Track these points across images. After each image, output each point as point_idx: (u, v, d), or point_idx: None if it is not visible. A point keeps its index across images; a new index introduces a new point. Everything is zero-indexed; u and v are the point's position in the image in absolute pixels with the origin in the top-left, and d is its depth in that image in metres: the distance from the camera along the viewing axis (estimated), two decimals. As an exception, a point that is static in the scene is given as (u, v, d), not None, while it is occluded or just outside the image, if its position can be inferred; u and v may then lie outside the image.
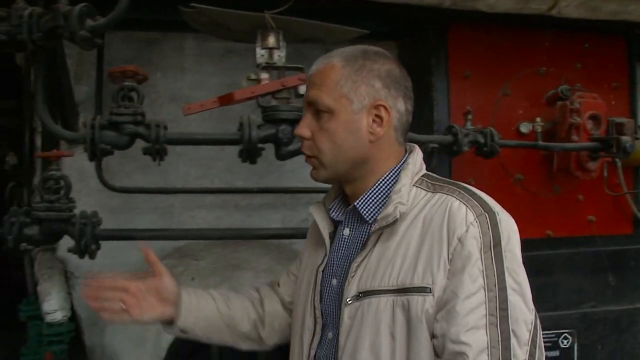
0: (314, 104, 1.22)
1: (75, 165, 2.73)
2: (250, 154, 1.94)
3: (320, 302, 1.28)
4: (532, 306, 1.10)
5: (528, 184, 2.76)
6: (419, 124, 2.22)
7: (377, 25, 2.71)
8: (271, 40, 2.02)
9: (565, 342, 2.68)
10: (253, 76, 2.01)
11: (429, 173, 1.27)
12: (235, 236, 2.52)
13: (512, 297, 1.06)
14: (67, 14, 1.68)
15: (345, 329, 1.17)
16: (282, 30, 2.03)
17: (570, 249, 2.81)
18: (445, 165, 2.68)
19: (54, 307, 2.52)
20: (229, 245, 2.64)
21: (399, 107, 1.23)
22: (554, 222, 2.80)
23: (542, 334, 2.51)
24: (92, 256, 1.82)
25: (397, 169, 1.25)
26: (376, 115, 1.20)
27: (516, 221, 2.55)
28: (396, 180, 1.23)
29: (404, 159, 1.27)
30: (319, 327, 1.27)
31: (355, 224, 1.27)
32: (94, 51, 2.56)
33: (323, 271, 1.29)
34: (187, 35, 2.84)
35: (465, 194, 1.15)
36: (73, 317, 2.67)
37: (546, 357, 2.63)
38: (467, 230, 1.08)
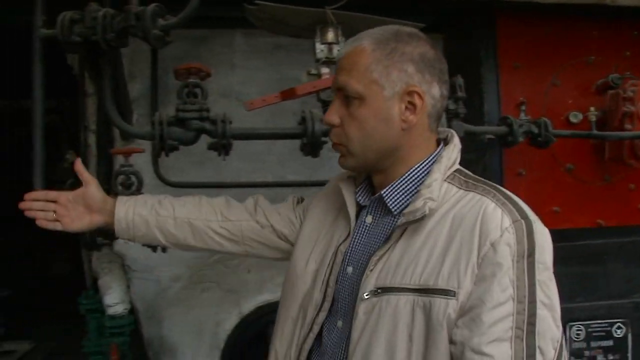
0: (343, 89, 1.17)
1: (131, 161, 2.79)
2: (313, 148, 1.97)
3: (336, 284, 1.24)
4: (560, 323, 1.04)
5: (578, 174, 2.75)
6: (469, 115, 2.25)
7: (422, 18, 2.72)
8: (330, 36, 2.05)
9: (618, 331, 2.67)
10: (313, 71, 2.04)
11: (462, 169, 1.22)
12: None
13: (541, 312, 1.00)
14: (140, 14, 1.72)
15: (360, 324, 1.12)
16: (341, 26, 2.06)
17: (621, 238, 2.80)
18: (496, 155, 2.69)
19: (115, 300, 2.59)
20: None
21: (434, 92, 1.16)
22: (605, 211, 2.78)
23: (596, 323, 2.52)
24: (164, 250, 1.86)
25: (430, 161, 1.19)
26: (409, 102, 1.14)
27: (567, 210, 2.56)
28: (427, 173, 1.17)
29: (438, 150, 1.22)
30: (327, 304, 1.23)
31: (379, 213, 1.23)
32: (146, 50, 2.62)
33: (344, 252, 1.25)
34: (236, 31, 2.89)
35: (502, 197, 1.10)
36: (132, 310, 2.74)
37: (600, 346, 2.66)
38: (501, 236, 1.03)
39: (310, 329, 1.24)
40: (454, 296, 1.02)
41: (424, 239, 1.10)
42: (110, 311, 2.61)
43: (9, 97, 5.82)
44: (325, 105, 2.03)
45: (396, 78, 1.13)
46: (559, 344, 1.02)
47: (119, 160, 2.85)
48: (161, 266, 2.75)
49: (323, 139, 1.97)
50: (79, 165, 1.52)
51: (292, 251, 1.41)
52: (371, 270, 1.13)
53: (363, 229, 1.23)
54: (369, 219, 1.23)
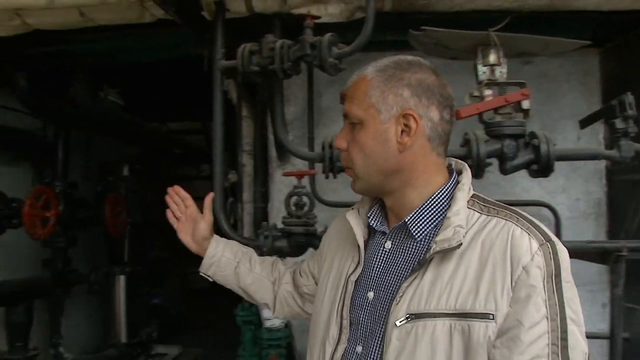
0: (346, 116, 1.23)
1: (287, 181, 2.94)
2: (478, 169, 1.97)
3: (350, 312, 1.25)
4: (585, 337, 1.07)
5: None
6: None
7: (579, 32, 2.64)
8: (492, 57, 2.05)
9: None
10: (476, 93, 2.04)
11: (477, 193, 1.24)
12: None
13: (571, 327, 1.05)
14: (316, 44, 1.83)
15: (394, 351, 1.14)
16: (503, 46, 2.06)
17: None
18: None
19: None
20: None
21: (432, 116, 1.18)
22: None
23: None
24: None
25: (450, 187, 1.22)
26: (405, 125, 1.17)
27: None
28: (450, 200, 1.20)
29: (454, 178, 1.23)
30: (344, 336, 1.25)
31: (398, 238, 1.24)
32: (301, 75, 2.75)
33: (356, 282, 1.27)
34: (386, 54, 2.95)
35: (525, 222, 1.14)
36: (287, 324, 2.85)
37: None
38: (532, 259, 1.07)
39: None
40: (493, 319, 1.07)
41: (455, 265, 1.13)
42: (268, 324, 2.74)
43: (159, 120, 6.32)
44: (488, 127, 2.02)
45: (392, 102, 1.16)
46: (586, 357, 1.07)
47: (277, 177, 3.03)
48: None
49: (487, 160, 1.97)
50: (208, 201, 1.68)
51: None
52: (401, 296, 1.15)
53: (382, 254, 1.25)
54: (388, 244, 1.25)
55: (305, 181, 2.69)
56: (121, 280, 4.64)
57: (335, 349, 1.25)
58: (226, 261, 1.64)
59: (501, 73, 2.06)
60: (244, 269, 1.64)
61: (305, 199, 1.97)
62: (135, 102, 4.72)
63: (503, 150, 1.99)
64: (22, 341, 3.45)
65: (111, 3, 2.10)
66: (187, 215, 1.66)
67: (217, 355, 5.33)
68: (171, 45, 2.86)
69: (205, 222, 1.65)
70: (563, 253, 1.11)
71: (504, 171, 2.04)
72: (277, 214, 2.99)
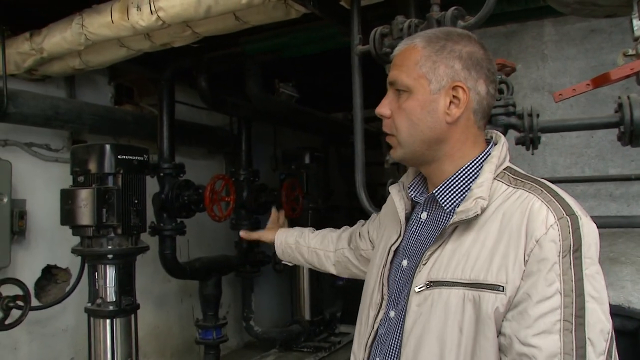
0: (393, 83, 1.23)
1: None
2: (632, 137, 1.79)
3: (388, 280, 1.30)
4: (609, 316, 1.05)
5: None
6: None
7: None
8: (652, 8, 1.84)
9: None
10: (630, 51, 1.85)
11: (512, 166, 1.23)
12: (612, 225, 2.38)
13: (590, 305, 1.02)
14: (441, 19, 1.82)
15: (413, 315, 1.18)
16: (668, -6, 1.83)
17: None
18: None
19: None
20: (606, 237, 2.48)
21: (479, 89, 1.20)
22: None
23: None
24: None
25: (480, 160, 1.22)
26: (454, 97, 1.19)
27: None
28: (478, 171, 1.21)
29: (488, 149, 1.24)
30: (385, 303, 1.29)
31: (432, 208, 1.27)
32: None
33: (395, 251, 1.31)
34: (545, 22, 2.78)
35: (548, 194, 1.11)
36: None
37: None
38: (546, 233, 1.05)
39: (373, 327, 1.31)
40: (502, 291, 1.07)
41: (474, 236, 1.15)
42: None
43: (342, 110, 6.58)
44: (648, 88, 1.82)
45: (443, 73, 1.18)
46: (609, 336, 1.04)
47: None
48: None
49: (645, 126, 1.78)
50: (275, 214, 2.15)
51: None
52: (424, 264, 1.19)
53: (418, 225, 1.29)
54: (424, 215, 1.29)
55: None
56: (304, 261, 4.96)
57: (377, 314, 1.31)
58: (288, 247, 1.94)
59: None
60: (302, 248, 1.90)
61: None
62: (314, 94, 4.99)
63: (667, 113, 1.78)
64: (212, 311, 3.96)
65: (258, 5, 2.27)
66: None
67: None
68: (326, 36, 3.01)
69: (267, 234, 2.05)
70: (587, 228, 1.08)
71: (670, 137, 1.82)
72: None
